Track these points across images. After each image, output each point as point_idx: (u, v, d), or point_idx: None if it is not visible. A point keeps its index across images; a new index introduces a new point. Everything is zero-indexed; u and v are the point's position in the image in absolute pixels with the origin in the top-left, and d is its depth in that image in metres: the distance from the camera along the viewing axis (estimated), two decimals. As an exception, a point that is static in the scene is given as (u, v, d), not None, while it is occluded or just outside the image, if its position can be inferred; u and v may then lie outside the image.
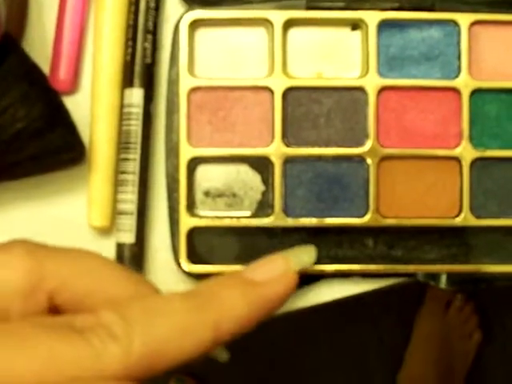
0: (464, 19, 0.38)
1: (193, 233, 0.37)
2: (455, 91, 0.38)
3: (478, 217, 0.38)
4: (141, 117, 0.38)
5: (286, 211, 0.37)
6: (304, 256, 0.35)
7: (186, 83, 0.37)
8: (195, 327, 0.27)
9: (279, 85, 0.37)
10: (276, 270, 0.32)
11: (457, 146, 0.38)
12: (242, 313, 0.29)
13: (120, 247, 0.38)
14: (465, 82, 0.38)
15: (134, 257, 0.38)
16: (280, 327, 1.11)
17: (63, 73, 0.39)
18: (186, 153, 0.37)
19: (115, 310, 0.25)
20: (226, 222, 0.37)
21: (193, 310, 0.27)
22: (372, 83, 0.37)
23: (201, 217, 0.37)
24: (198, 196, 0.38)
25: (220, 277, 0.32)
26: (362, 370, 1.18)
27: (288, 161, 0.37)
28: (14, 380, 0.22)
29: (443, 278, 0.38)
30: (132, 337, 0.24)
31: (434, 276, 0.38)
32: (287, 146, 0.37)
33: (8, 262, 0.25)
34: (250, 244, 0.37)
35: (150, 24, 0.38)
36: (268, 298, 0.31)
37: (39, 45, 0.39)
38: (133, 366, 0.24)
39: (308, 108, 0.38)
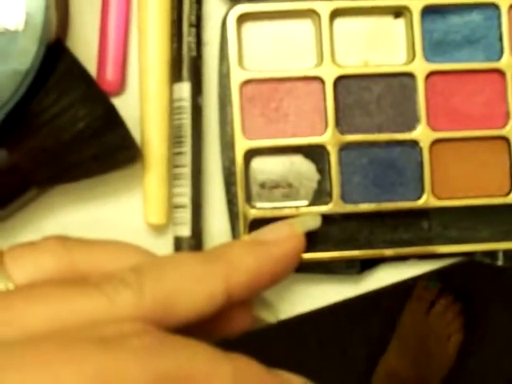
0: (504, 2, 0.39)
1: (253, 225, 0.37)
2: (499, 72, 0.39)
3: (529, 193, 0.39)
4: (190, 110, 0.38)
5: (344, 198, 0.38)
6: (308, 220, 0.36)
7: (237, 77, 0.38)
8: (205, 277, 0.28)
9: (329, 74, 0.38)
10: (283, 232, 0.34)
11: (504, 125, 0.39)
12: (252, 267, 0.31)
13: (177, 241, 0.38)
14: (508, 63, 0.39)
15: (191, 250, 0.38)
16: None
17: (110, 74, 0.39)
18: (242, 145, 0.37)
19: (128, 267, 0.27)
20: (286, 212, 0.37)
21: (202, 262, 0.29)
22: (420, 68, 0.38)
23: (259, 209, 0.38)
24: (254, 188, 0.38)
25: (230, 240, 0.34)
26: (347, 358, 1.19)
27: (343, 148, 0.38)
28: (29, 327, 0.24)
29: (500, 256, 0.38)
30: (143, 284, 0.26)
31: (491, 254, 0.39)
32: (341, 133, 0.38)
33: (44, 249, 0.28)
34: (308, 233, 0.37)
35: (193, 18, 0.38)
36: (276, 256, 0.32)
37: (82, 47, 0.39)
38: (146, 311, 0.26)
39: (358, 95, 0.38)
